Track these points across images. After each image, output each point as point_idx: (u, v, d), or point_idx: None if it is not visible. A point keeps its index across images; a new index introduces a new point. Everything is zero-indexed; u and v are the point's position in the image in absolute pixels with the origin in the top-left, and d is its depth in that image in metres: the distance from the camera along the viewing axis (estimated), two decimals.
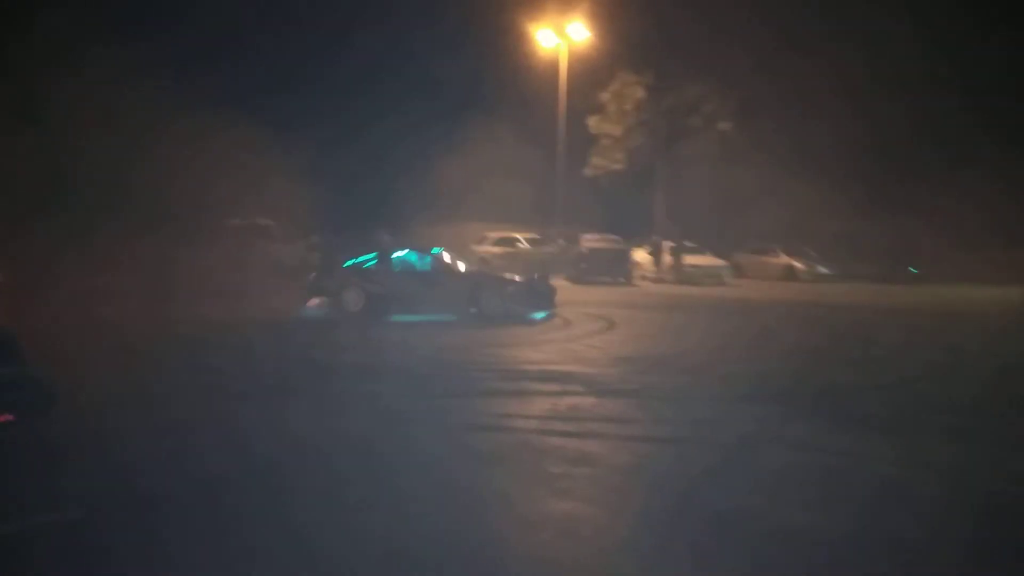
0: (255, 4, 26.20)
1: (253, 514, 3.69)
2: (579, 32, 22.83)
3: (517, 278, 12.63)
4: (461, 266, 12.98)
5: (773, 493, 4.01)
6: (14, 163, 14.47)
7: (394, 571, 3.10)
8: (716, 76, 24.18)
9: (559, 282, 16.86)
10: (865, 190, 24.27)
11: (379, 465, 4.52)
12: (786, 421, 5.60)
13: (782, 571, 3.13)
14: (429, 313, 11.72)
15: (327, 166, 25.10)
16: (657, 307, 14.88)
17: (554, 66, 23.20)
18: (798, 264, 25.01)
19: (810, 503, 3.87)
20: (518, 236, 23.72)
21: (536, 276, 13.17)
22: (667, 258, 23.16)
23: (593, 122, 25.78)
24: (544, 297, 12.26)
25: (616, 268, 21.47)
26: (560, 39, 22.92)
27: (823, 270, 24.74)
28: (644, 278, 23.17)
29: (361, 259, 12.40)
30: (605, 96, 25.49)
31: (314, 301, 12.43)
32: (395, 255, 12.49)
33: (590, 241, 23.65)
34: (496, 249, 23.29)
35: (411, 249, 12.74)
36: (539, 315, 11.89)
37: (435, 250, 12.85)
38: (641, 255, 23.96)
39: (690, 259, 22.86)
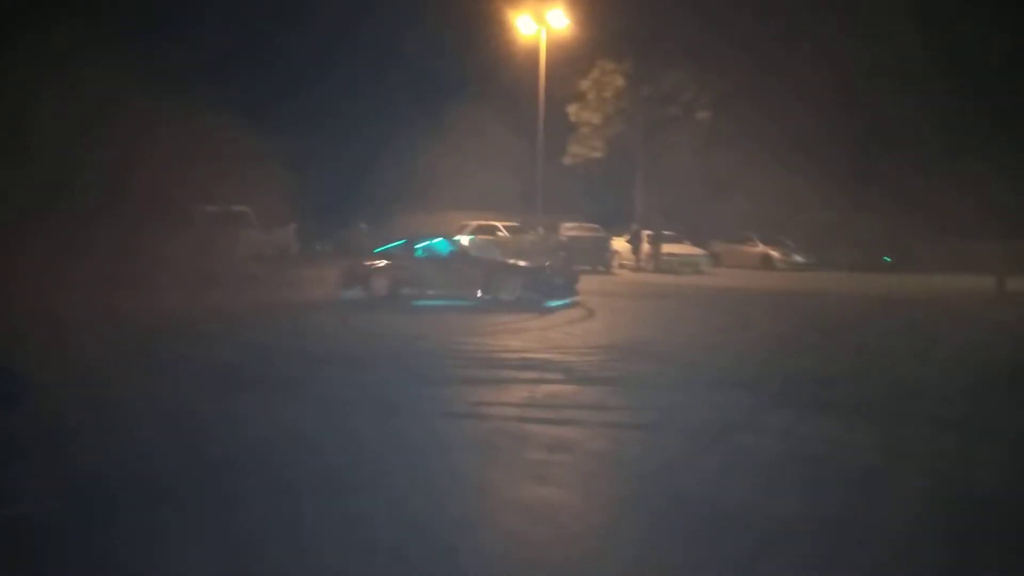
0: None
1: (227, 502, 3.66)
2: (559, 19, 22.71)
3: (530, 266, 12.83)
4: (482, 254, 13.39)
5: (748, 479, 4.06)
6: None
7: (370, 556, 3.09)
8: (695, 65, 24.23)
9: None
10: (842, 181, 24.54)
11: (356, 453, 4.50)
12: (760, 408, 5.66)
13: (756, 555, 3.17)
14: (447, 299, 12.25)
15: (306, 154, 24.86)
16: (635, 295, 14.98)
17: (534, 54, 23.08)
18: (775, 253, 25.29)
19: (784, 488, 3.92)
20: (497, 224, 23.67)
21: (548, 264, 13.27)
22: (646, 247, 23.28)
23: (573, 110, 25.73)
24: (559, 286, 12.51)
25: (595, 257, 21.54)
26: (540, 26, 22.79)
27: (799, 259, 25.05)
28: (623, 267, 23.28)
29: (390, 245, 13.14)
30: (585, 84, 25.45)
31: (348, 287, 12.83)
32: (419, 243, 13.12)
33: (570, 230, 23.68)
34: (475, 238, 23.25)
35: (435, 237, 13.47)
36: (556, 303, 12.09)
37: (471, 238, 13.28)
38: (621, 244, 24.06)
39: (669, 248, 23.02)
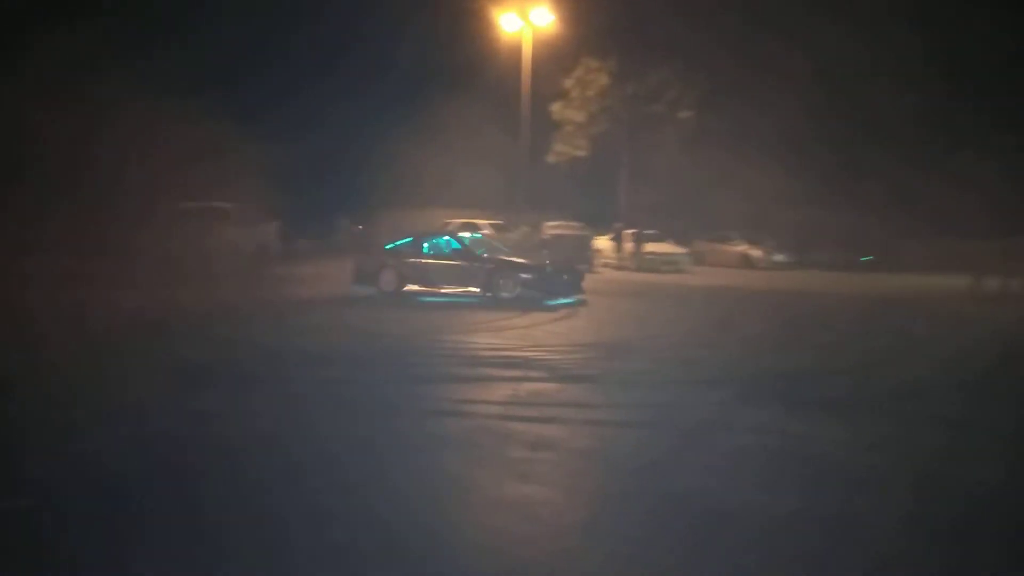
0: None
1: (204, 500, 3.62)
2: (543, 17, 22.69)
3: (530, 264, 12.89)
4: (489, 251, 13.35)
5: (730, 475, 4.08)
6: None
7: (351, 554, 3.07)
8: (679, 63, 24.34)
9: None
10: (823, 180, 24.82)
11: (334, 451, 4.46)
12: (741, 405, 5.70)
13: (739, 551, 3.19)
14: (451, 295, 12.54)
15: (290, 151, 24.67)
16: (617, 294, 15.04)
17: (518, 51, 23.06)
18: (755, 252, 25.50)
19: (766, 485, 3.94)
20: (480, 223, 23.64)
21: (548, 263, 13.29)
22: (628, 245, 23.36)
23: (557, 108, 25.76)
24: (561, 284, 12.59)
25: (577, 255, 21.58)
26: (524, 23, 22.75)
27: (779, 258, 25.27)
28: (606, 265, 23.34)
29: (399, 242, 13.50)
30: (569, 82, 25.48)
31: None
32: (427, 239, 13.50)
33: (552, 228, 23.71)
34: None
35: (442, 234, 13.89)
36: (558, 301, 12.20)
37: (474, 235, 13.95)
38: (603, 242, 24.13)
39: (651, 246, 23.11)
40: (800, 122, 23.37)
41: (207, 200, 18.77)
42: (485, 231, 23.23)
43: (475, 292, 12.48)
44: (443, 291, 12.75)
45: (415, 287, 12.92)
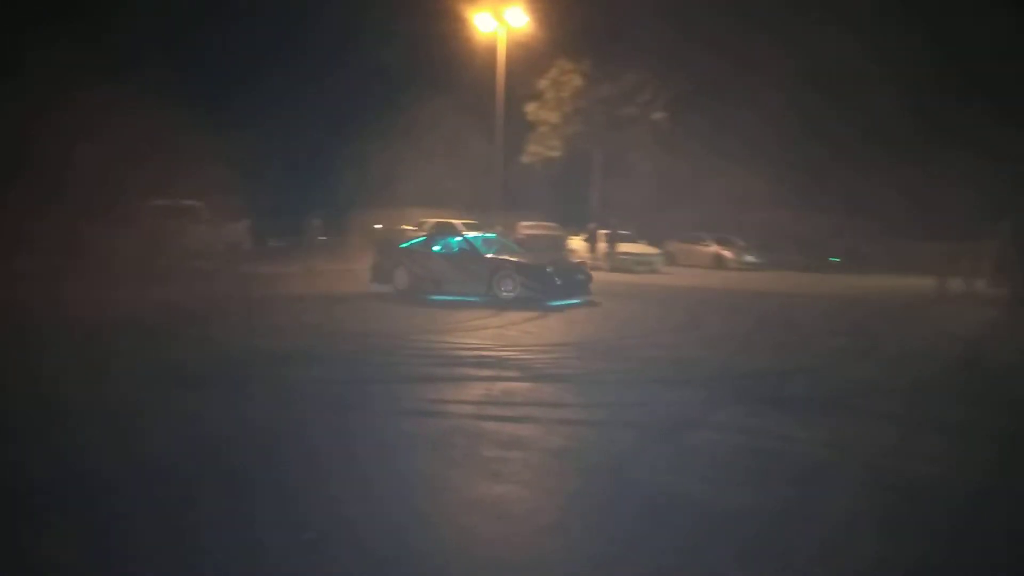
0: None
1: (168, 503, 3.57)
2: (517, 17, 22.72)
3: (530, 264, 12.90)
4: (499, 251, 13.40)
5: (701, 474, 4.13)
6: None
7: (322, 554, 3.05)
8: (652, 67, 24.54)
9: None
10: (794, 182, 25.20)
11: (305, 450, 4.43)
12: (712, 404, 5.77)
13: (710, 549, 3.23)
14: (458, 294, 12.77)
15: (263, 150, 24.42)
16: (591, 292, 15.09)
17: (493, 52, 23.06)
18: (727, 253, 25.83)
19: (737, 483, 4.00)
20: (454, 223, 23.60)
21: (547, 264, 13.29)
22: (602, 246, 23.49)
23: (531, 109, 25.81)
24: (563, 284, 12.61)
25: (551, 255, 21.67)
26: (499, 24, 22.76)
27: (750, 259, 25.62)
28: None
29: (413, 241, 13.84)
30: (543, 83, 25.55)
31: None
32: (438, 239, 13.71)
33: (527, 228, 23.75)
34: None
35: (454, 234, 14.16)
36: (562, 302, 12.26)
37: (486, 235, 14.18)
38: (577, 243, 24.23)
39: (624, 247, 23.27)
40: (772, 125, 23.71)
41: (178, 198, 18.51)
42: (465, 232, 23.20)
43: (477, 291, 12.59)
44: (450, 290, 12.89)
45: (426, 286, 13.12)
